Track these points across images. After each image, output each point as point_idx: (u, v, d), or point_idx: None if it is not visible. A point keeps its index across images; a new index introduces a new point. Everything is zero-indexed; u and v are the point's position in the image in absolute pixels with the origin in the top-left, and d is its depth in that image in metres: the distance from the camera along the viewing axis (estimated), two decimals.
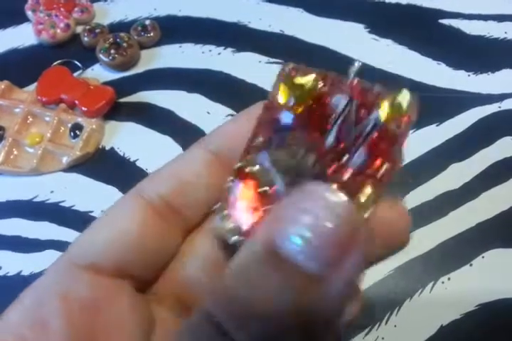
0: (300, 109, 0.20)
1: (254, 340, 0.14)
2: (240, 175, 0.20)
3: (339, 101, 0.20)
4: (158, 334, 0.16)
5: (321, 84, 0.20)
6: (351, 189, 0.18)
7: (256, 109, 0.20)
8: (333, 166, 0.19)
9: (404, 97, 0.19)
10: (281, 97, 0.21)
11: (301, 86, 0.20)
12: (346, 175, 0.19)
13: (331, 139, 0.20)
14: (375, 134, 0.19)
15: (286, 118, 0.20)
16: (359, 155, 0.19)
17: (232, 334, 0.13)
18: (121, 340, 0.16)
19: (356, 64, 0.20)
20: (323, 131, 0.20)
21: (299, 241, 0.13)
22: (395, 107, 0.19)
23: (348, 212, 0.14)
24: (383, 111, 0.19)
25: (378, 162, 0.19)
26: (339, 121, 0.20)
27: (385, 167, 0.18)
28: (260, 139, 0.20)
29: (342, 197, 0.15)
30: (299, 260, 0.13)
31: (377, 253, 0.18)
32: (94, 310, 0.16)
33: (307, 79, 0.20)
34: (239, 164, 0.20)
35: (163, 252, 0.18)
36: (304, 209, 0.14)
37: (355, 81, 0.20)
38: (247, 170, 0.20)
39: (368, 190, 0.18)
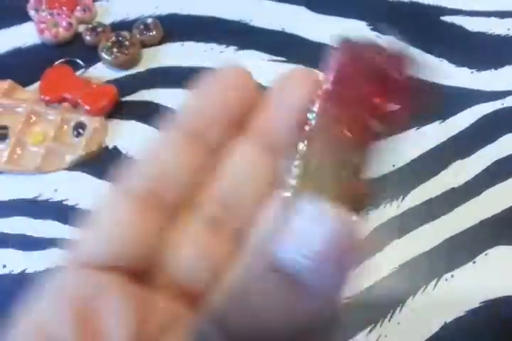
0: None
1: None
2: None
3: None
4: (153, 323, 0.16)
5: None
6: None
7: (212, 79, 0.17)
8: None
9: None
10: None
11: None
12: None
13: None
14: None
15: None
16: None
17: None
18: (112, 327, 0.16)
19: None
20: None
21: (302, 259, 0.13)
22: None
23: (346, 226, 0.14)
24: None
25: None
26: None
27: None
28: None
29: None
30: (303, 274, 0.13)
31: None
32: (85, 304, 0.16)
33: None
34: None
35: (152, 241, 0.17)
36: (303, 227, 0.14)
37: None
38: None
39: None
